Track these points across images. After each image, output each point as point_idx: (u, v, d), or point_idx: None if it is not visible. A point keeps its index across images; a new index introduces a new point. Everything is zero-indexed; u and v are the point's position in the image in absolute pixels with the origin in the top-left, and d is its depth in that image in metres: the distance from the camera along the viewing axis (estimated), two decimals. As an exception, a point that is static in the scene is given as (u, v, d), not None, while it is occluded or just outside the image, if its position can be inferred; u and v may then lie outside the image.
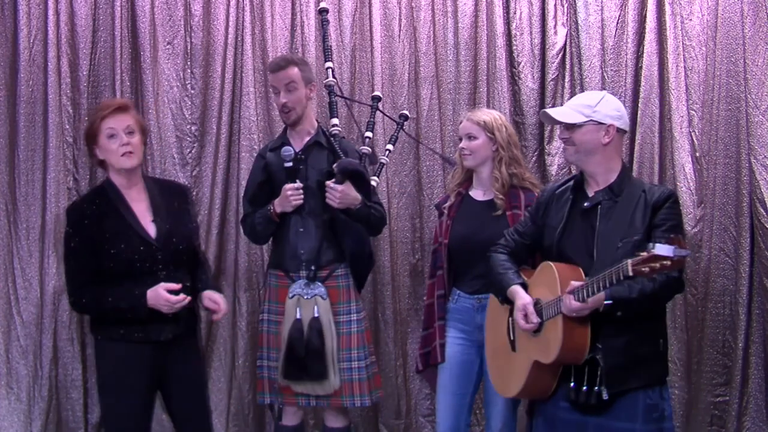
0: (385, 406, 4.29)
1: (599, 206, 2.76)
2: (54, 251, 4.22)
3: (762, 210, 3.93)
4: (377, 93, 3.85)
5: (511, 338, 2.92)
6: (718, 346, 4.07)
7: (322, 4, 3.83)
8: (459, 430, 3.30)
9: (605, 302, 2.59)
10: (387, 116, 3.66)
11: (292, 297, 3.37)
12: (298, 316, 3.34)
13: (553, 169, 4.24)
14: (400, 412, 4.30)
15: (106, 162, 3.01)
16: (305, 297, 3.36)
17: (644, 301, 2.63)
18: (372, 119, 3.66)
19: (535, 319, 2.75)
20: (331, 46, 3.75)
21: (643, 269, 2.37)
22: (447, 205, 3.37)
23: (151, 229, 2.97)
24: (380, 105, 3.76)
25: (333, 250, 3.43)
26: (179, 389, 3.05)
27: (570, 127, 2.79)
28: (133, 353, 2.95)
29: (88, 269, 2.93)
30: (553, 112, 2.88)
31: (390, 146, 3.66)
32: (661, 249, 2.34)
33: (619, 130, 2.81)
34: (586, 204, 2.80)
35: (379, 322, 4.30)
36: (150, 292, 2.88)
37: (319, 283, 3.37)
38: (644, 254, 2.37)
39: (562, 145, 2.93)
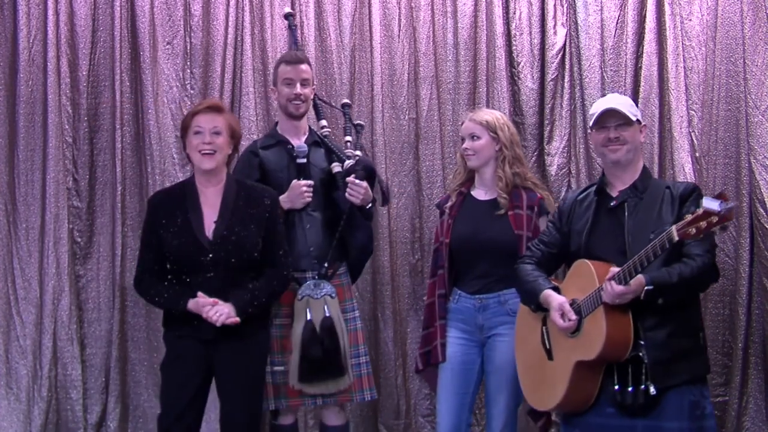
0: (385, 406, 4.29)
1: (626, 204, 2.80)
2: (54, 251, 4.22)
3: (762, 210, 3.93)
4: (347, 101, 3.86)
5: (547, 347, 2.90)
6: (718, 346, 4.07)
7: (287, 9, 3.85)
8: (460, 430, 3.29)
9: (646, 287, 2.59)
10: (352, 123, 3.66)
11: (302, 299, 3.35)
12: (308, 318, 3.33)
13: (552, 169, 4.24)
14: (399, 412, 4.29)
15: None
16: (315, 297, 3.35)
17: (684, 286, 2.64)
18: (349, 124, 3.67)
19: (573, 316, 2.76)
20: (302, 49, 3.80)
21: (690, 231, 2.39)
22: (448, 204, 3.38)
23: (210, 231, 3.03)
24: (351, 111, 3.79)
25: (339, 247, 3.45)
26: (224, 388, 3.11)
27: (622, 126, 2.85)
28: (183, 347, 3.06)
29: (151, 256, 3.09)
30: (622, 108, 2.87)
31: (358, 152, 3.57)
32: (709, 202, 2.35)
33: None
34: (612, 204, 2.83)
35: (378, 322, 4.30)
36: (191, 304, 3.00)
37: (327, 282, 3.38)
38: (688, 217, 2.40)
39: (610, 146, 2.86)
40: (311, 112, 3.69)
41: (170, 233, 3.03)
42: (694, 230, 2.38)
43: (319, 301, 3.35)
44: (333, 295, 3.36)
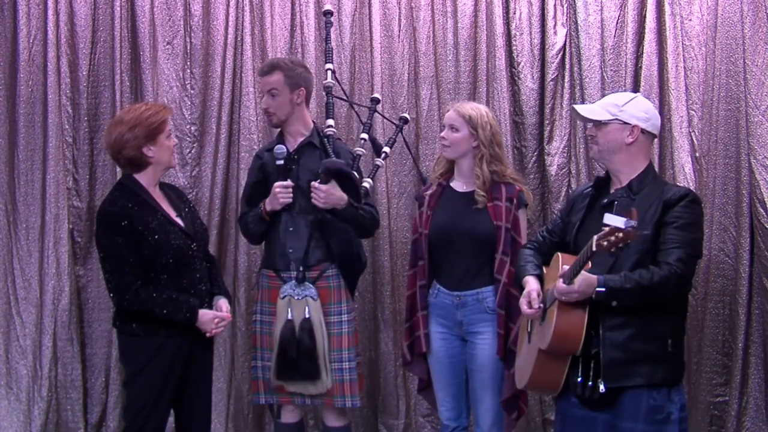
0: (385, 406, 4.30)
1: (615, 203, 2.79)
2: (54, 251, 4.22)
3: (762, 210, 3.93)
4: (376, 95, 3.82)
5: (528, 330, 2.97)
6: (718, 346, 4.07)
7: (327, 6, 3.82)
8: (461, 409, 3.37)
9: (597, 290, 2.59)
10: (385, 118, 3.64)
11: (284, 297, 3.38)
12: (289, 317, 3.35)
13: (552, 169, 4.24)
14: (399, 412, 4.30)
15: (141, 159, 3.04)
16: (296, 298, 3.37)
17: (641, 293, 2.60)
18: (369, 121, 3.65)
19: (536, 304, 2.80)
20: (332, 47, 3.74)
21: (604, 243, 2.40)
22: (428, 193, 3.38)
23: (180, 223, 3.09)
24: (379, 106, 3.75)
25: (322, 250, 3.42)
26: (195, 380, 3.14)
27: (596, 125, 2.82)
28: (171, 343, 3.03)
29: (134, 269, 2.98)
30: (581, 109, 2.89)
31: (387, 149, 3.62)
32: (612, 219, 2.38)
33: (645, 132, 2.80)
34: (604, 201, 2.83)
35: (378, 322, 4.30)
36: (201, 316, 3.04)
37: (310, 284, 3.37)
38: (605, 228, 2.40)
39: (590, 143, 2.93)
40: (322, 110, 3.66)
41: (153, 234, 2.97)
42: (606, 243, 2.39)
43: (300, 302, 3.36)
44: (315, 297, 3.35)
